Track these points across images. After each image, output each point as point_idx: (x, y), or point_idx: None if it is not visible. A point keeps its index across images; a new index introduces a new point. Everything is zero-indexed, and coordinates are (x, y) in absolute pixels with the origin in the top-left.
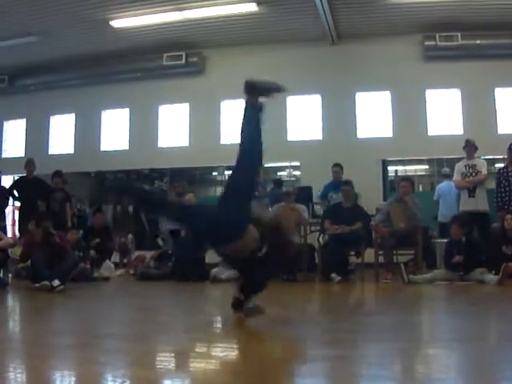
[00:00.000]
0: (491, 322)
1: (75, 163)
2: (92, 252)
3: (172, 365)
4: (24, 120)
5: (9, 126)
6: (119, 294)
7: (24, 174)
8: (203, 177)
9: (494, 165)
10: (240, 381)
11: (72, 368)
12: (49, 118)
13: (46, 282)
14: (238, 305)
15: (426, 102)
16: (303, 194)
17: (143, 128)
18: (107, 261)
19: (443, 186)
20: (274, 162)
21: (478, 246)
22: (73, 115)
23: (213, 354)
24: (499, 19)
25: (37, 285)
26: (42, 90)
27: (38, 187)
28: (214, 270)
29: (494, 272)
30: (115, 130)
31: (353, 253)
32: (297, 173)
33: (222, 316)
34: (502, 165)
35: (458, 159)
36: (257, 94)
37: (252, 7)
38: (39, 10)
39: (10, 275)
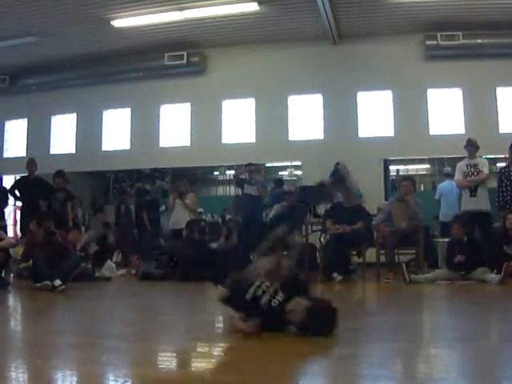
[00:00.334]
0: (493, 321)
1: (77, 163)
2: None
3: (173, 364)
4: (25, 120)
5: (10, 125)
6: (121, 294)
7: (26, 174)
8: (204, 176)
9: (495, 164)
10: (241, 380)
11: (74, 368)
12: (50, 118)
13: (48, 282)
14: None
15: (427, 101)
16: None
17: (145, 128)
18: (108, 261)
19: (445, 185)
20: (276, 162)
21: (480, 246)
22: (74, 115)
23: (214, 353)
24: (500, 18)
25: (38, 285)
26: (44, 89)
27: (40, 187)
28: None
29: (495, 271)
30: (117, 130)
31: (354, 252)
32: (298, 172)
33: (223, 316)
34: (503, 164)
35: (460, 158)
36: None
37: (253, 7)
38: (40, 10)
39: (11, 275)
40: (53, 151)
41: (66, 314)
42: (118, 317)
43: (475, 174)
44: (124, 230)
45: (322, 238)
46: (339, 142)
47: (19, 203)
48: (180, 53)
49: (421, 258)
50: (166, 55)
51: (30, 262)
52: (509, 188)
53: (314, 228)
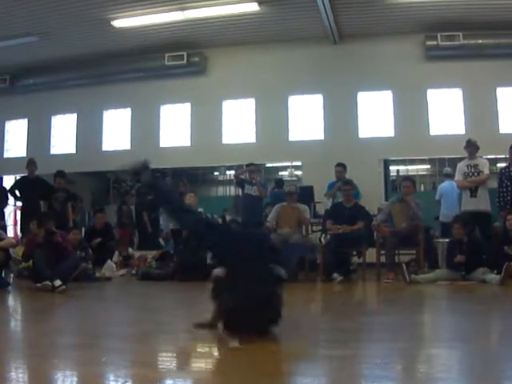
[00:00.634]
0: (493, 321)
1: (77, 163)
2: (90, 252)
3: (174, 365)
4: (26, 120)
5: (11, 125)
6: (121, 294)
7: (26, 174)
8: (205, 176)
9: (495, 164)
10: (241, 381)
11: (74, 368)
12: (50, 118)
13: (48, 282)
14: None
15: (427, 101)
16: (305, 194)
17: (145, 128)
18: (109, 261)
19: (445, 185)
20: (276, 162)
21: (480, 246)
22: (74, 115)
23: (214, 353)
24: (501, 19)
25: (38, 285)
26: (44, 89)
27: (40, 187)
28: (216, 270)
29: (495, 272)
30: (117, 130)
31: (354, 252)
32: (298, 172)
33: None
34: (503, 164)
35: (460, 159)
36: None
37: (253, 7)
38: (41, 10)
39: (11, 275)
40: (53, 151)
41: (66, 314)
42: (118, 317)
43: (475, 174)
44: (125, 230)
45: (322, 239)
46: (339, 143)
47: (19, 203)
48: (180, 53)
49: (421, 259)
50: (167, 55)
51: (30, 262)
52: (509, 188)
53: (315, 228)
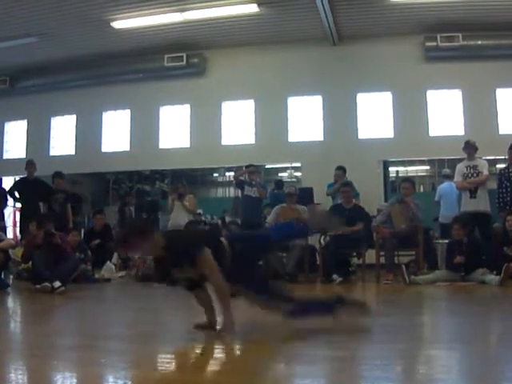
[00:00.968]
0: (493, 322)
1: (76, 164)
2: (89, 253)
3: (173, 366)
4: (25, 121)
5: (10, 127)
6: (120, 295)
7: (25, 175)
8: (204, 178)
9: (495, 165)
10: (240, 382)
11: (73, 369)
12: (50, 119)
13: (47, 284)
14: None
15: (427, 102)
16: (304, 195)
17: (144, 129)
18: (108, 262)
19: (444, 186)
20: (275, 163)
21: (480, 247)
22: (74, 116)
23: (214, 354)
24: (500, 20)
25: (38, 286)
26: (43, 91)
27: (39, 188)
28: None
29: (495, 273)
30: (116, 131)
31: (354, 254)
32: (298, 174)
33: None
34: (503, 165)
35: (459, 160)
36: None
37: (253, 8)
38: (41, 11)
39: (11, 276)
40: (52, 152)
41: (66, 316)
42: (117, 318)
43: (475, 175)
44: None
45: (321, 240)
46: (339, 144)
47: (19, 204)
48: (180, 54)
49: (420, 260)
50: (166, 57)
51: (30, 263)
52: (509, 189)
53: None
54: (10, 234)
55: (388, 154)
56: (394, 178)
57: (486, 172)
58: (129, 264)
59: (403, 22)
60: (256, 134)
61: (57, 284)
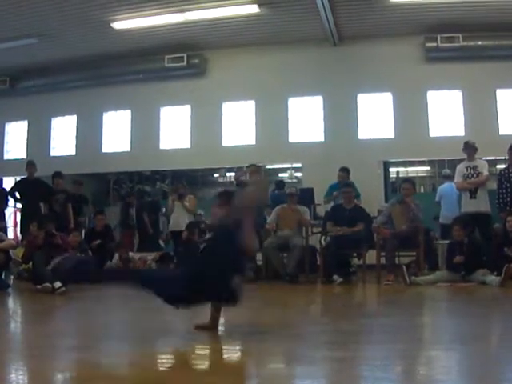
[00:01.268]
0: (493, 323)
1: (77, 165)
2: (90, 253)
3: (174, 366)
4: (26, 122)
5: (10, 127)
6: (121, 296)
7: (25, 176)
8: (204, 178)
9: (495, 166)
10: (241, 382)
11: (74, 370)
12: (50, 120)
13: (48, 284)
14: None
15: (427, 103)
16: (305, 196)
17: (145, 130)
18: (108, 262)
19: (445, 187)
20: (276, 164)
21: (480, 248)
22: (74, 117)
23: (214, 355)
24: (501, 20)
25: (38, 286)
26: (44, 91)
27: (40, 189)
28: None
29: (495, 273)
30: (117, 132)
31: (354, 254)
32: (298, 174)
33: (224, 317)
34: (503, 166)
35: (460, 160)
36: None
37: (253, 9)
38: (41, 11)
39: (11, 277)
40: (53, 153)
41: (66, 316)
42: (118, 318)
43: (475, 175)
44: (129, 233)
45: (322, 240)
46: (339, 144)
47: (19, 205)
48: (180, 55)
49: (421, 260)
50: (166, 57)
51: (30, 263)
52: (509, 190)
53: (315, 230)
54: (10, 235)
55: (388, 154)
56: (394, 179)
57: (486, 172)
58: (129, 264)
59: (403, 23)
60: (256, 134)
61: (57, 284)
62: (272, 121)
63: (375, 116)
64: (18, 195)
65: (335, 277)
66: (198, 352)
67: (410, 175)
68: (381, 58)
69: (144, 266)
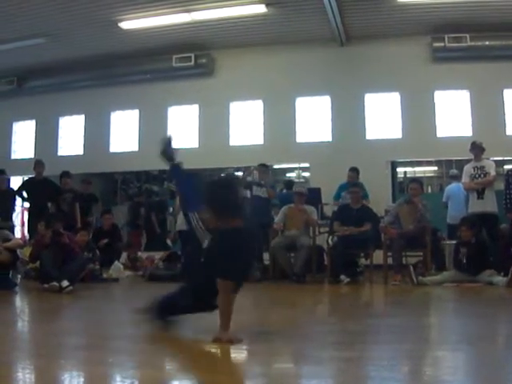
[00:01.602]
0: (500, 324)
1: (84, 164)
2: (97, 252)
3: (181, 365)
4: (33, 121)
5: (18, 127)
6: (128, 295)
7: (33, 175)
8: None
9: (502, 166)
10: (246, 382)
11: (80, 369)
12: (58, 120)
13: (55, 283)
14: None
15: (434, 103)
16: (312, 196)
17: (153, 129)
18: (116, 262)
19: (452, 187)
20: (283, 164)
21: (488, 248)
22: (82, 116)
23: (221, 354)
24: (508, 20)
25: (46, 285)
26: (52, 91)
27: (47, 188)
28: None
29: (502, 274)
30: (125, 132)
31: (362, 254)
32: (306, 174)
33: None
34: (510, 166)
35: (467, 161)
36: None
37: (261, 9)
38: (48, 11)
39: (19, 276)
40: (61, 153)
41: (74, 315)
42: (125, 318)
43: (482, 176)
44: (138, 232)
45: (329, 240)
46: (347, 144)
47: (27, 204)
48: (188, 54)
49: (428, 260)
50: (174, 57)
51: (38, 262)
52: None
53: (322, 230)
54: (18, 234)
55: (396, 154)
56: (401, 179)
57: (493, 173)
58: (136, 265)
59: (411, 23)
60: (264, 134)
61: (65, 283)
62: (280, 121)
63: (383, 116)
64: (25, 194)
65: (342, 277)
66: (205, 351)
67: (418, 175)
68: (388, 58)
69: (151, 265)
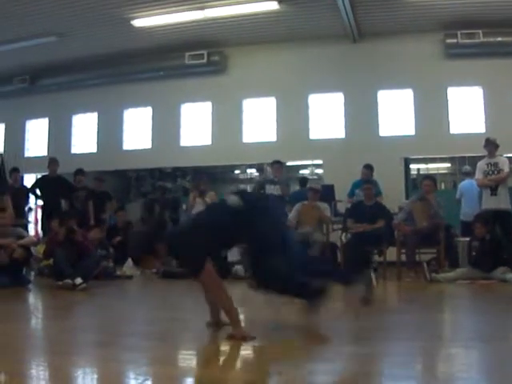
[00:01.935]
0: None
1: (98, 162)
2: (111, 250)
3: (194, 362)
4: (46, 119)
5: (31, 125)
6: (142, 292)
7: (46, 173)
8: (225, 175)
9: None
10: (261, 378)
11: (94, 365)
12: (71, 117)
13: (69, 280)
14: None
15: (447, 99)
16: (326, 193)
17: (166, 127)
18: (129, 259)
19: (465, 184)
20: (297, 161)
21: (502, 245)
22: (95, 114)
23: (234, 351)
24: None
25: (59, 283)
26: (64, 89)
27: (61, 186)
28: (236, 268)
29: None
30: (138, 129)
31: (375, 251)
32: (319, 171)
33: (244, 314)
34: None
35: (481, 157)
36: None
37: (273, 5)
38: (61, 9)
39: (32, 273)
40: (74, 150)
41: (87, 312)
42: (138, 315)
43: (495, 172)
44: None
45: (342, 237)
46: (360, 141)
47: (40, 202)
48: (200, 52)
49: (442, 257)
50: (187, 54)
51: (51, 260)
52: None
53: (335, 227)
54: (31, 232)
55: (409, 151)
56: (415, 176)
57: (506, 169)
58: None
59: (423, 19)
60: (277, 131)
61: (78, 281)
62: (292, 117)
63: (396, 113)
64: (38, 192)
65: None
66: (219, 348)
67: (431, 172)
68: (401, 54)
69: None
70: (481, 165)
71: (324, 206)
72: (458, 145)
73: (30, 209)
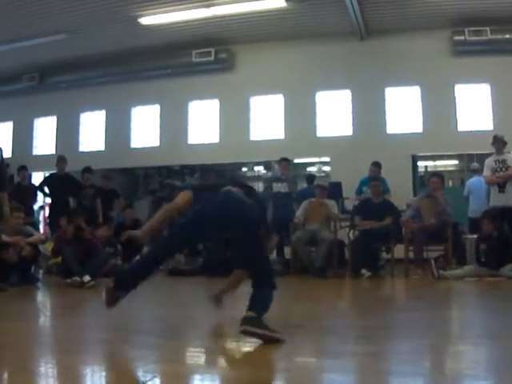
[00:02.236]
0: None
1: (106, 160)
2: (119, 247)
3: (202, 360)
4: (54, 117)
5: (39, 123)
6: (150, 290)
7: (54, 171)
8: (233, 173)
9: None
10: (269, 376)
11: (102, 363)
12: (79, 115)
13: (77, 278)
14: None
15: (455, 97)
16: (333, 190)
17: (173, 124)
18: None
19: (473, 181)
20: (304, 158)
21: (509, 242)
22: (103, 112)
23: (242, 349)
24: None
25: (68, 280)
26: (73, 87)
27: (69, 184)
28: None
29: None
30: (145, 127)
31: (383, 248)
32: (327, 168)
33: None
34: None
35: (488, 154)
36: None
37: (281, 3)
38: (69, 8)
39: (41, 271)
40: (82, 148)
41: (95, 310)
42: (146, 312)
43: (503, 169)
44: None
45: (350, 234)
46: (368, 138)
47: (48, 200)
48: (208, 49)
49: (449, 255)
50: (194, 52)
51: (60, 257)
52: None
53: (343, 224)
54: (40, 229)
55: (417, 148)
56: (422, 173)
57: None
58: None
59: (431, 17)
60: (285, 128)
61: (86, 278)
62: (300, 115)
63: (403, 110)
64: (46, 190)
65: (363, 271)
66: (227, 345)
67: (439, 169)
68: (408, 51)
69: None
70: (489, 162)
71: (331, 204)
72: (465, 142)
73: (42, 207)
